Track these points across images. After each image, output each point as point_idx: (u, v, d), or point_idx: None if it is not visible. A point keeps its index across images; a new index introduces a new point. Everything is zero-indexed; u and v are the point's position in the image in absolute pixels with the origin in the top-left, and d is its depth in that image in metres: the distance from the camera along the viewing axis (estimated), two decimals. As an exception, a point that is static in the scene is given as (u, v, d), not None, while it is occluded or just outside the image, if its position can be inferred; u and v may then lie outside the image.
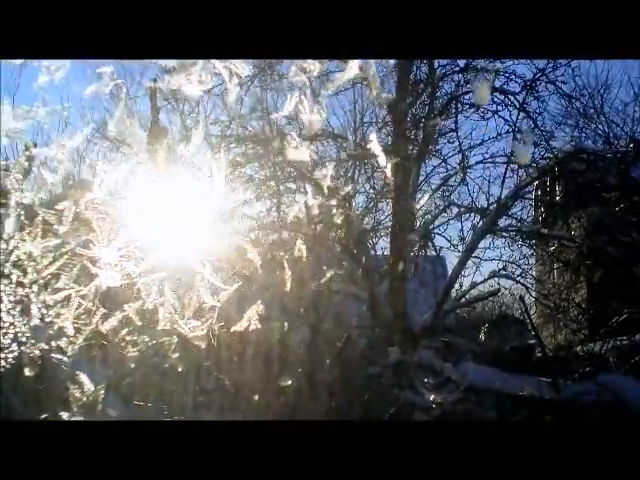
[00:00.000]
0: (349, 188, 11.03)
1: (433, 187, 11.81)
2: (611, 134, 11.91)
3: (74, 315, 5.05)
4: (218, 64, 3.38)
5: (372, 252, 11.88)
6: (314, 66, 3.34)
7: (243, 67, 3.45)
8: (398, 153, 10.33)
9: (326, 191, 4.38)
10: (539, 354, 12.32)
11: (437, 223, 11.76)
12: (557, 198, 12.20)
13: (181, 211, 4.41)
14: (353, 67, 3.32)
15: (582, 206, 11.49)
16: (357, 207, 12.37)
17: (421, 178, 11.52)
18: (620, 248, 11.11)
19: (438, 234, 11.82)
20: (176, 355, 5.61)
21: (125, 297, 5.04)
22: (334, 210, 10.07)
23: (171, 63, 3.43)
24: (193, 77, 3.44)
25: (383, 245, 12.39)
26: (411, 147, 10.97)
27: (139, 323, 5.12)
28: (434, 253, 11.97)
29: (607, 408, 8.82)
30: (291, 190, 10.93)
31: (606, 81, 12.73)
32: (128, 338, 5.42)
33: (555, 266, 12.72)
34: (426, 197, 11.61)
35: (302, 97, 3.40)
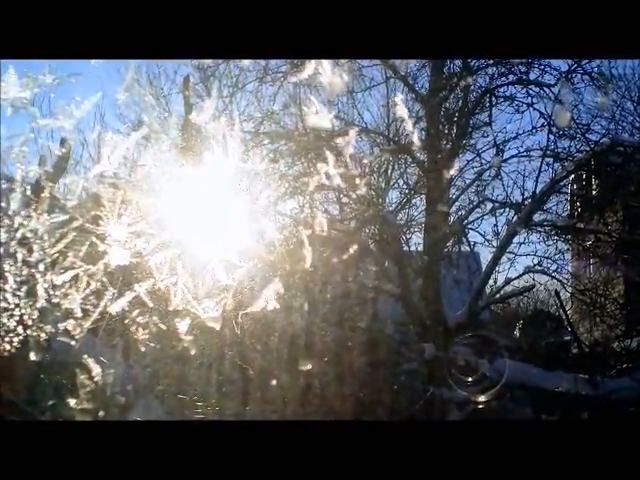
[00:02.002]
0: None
1: (467, 182, 11.71)
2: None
3: (82, 296, 4.92)
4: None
5: (405, 248, 11.80)
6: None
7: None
8: (432, 148, 10.28)
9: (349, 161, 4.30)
10: (575, 350, 12.19)
11: (471, 218, 11.66)
12: (593, 192, 12.03)
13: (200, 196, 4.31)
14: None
15: (619, 200, 11.32)
16: (390, 203, 12.31)
17: (455, 173, 11.40)
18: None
19: (472, 229, 11.72)
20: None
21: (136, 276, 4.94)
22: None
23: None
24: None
25: (416, 241, 12.32)
26: (445, 142, 10.89)
27: (150, 304, 4.98)
28: (468, 249, 11.86)
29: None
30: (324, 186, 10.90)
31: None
32: (139, 320, 5.27)
33: (591, 261, 12.56)
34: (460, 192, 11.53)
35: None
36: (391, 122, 12.05)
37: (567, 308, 12.43)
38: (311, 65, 3.38)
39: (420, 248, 11.55)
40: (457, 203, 11.76)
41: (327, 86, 3.40)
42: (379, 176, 12.05)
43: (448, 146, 10.80)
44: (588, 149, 10.57)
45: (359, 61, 10.52)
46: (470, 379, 9.12)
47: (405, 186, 12.16)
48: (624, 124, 11.57)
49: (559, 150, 10.78)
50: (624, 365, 10.62)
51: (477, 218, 11.70)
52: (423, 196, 11.81)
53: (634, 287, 12.25)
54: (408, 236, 12.17)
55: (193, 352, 5.50)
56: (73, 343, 5.02)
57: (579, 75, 10.45)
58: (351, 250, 8.57)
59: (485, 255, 12.79)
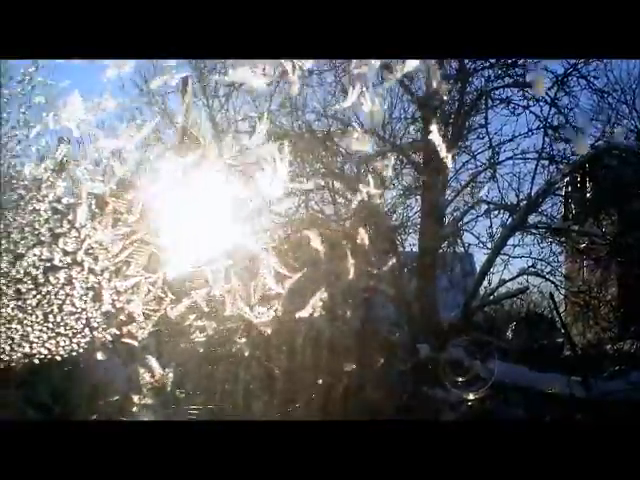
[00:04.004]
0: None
1: (462, 183, 11.72)
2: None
3: (144, 301, 5.11)
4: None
5: (400, 249, 11.81)
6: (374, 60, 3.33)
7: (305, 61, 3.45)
8: (427, 149, 10.29)
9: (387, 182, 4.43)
10: (568, 352, 12.22)
11: (466, 220, 11.68)
12: (588, 194, 12.06)
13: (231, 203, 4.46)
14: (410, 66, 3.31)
15: (613, 203, 11.36)
16: (386, 203, 12.31)
17: (450, 174, 11.43)
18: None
19: (467, 231, 11.74)
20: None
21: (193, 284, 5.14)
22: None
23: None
24: (258, 70, 3.44)
25: (412, 242, 12.33)
26: (439, 142, 10.88)
27: (206, 309, 5.21)
28: (463, 250, 11.88)
29: (638, 407, 8.75)
30: (320, 186, 10.90)
31: (639, 76, 12.49)
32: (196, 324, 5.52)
33: (585, 263, 12.60)
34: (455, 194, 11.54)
35: (364, 89, 3.38)
36: (387, 123, 12.05)
37: (561, 310, 12.46)
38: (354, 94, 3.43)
39: (415, 249, 11.56)
40: (452, 205, 11.77)
41: (368, 115, 3.45)
42: (374, 177, 12.03)
43: (444, 146, 10.78)
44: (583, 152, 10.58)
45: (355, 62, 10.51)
46: (464, 380, 9.15)
47: (400, 187, 12.16)
48: (619, 127, 11.60)
49: (554, 153, 10.82)
50: (617, 367, 10.65)
51: (472, 220, 11.73)
52: (418, 197, 11.81)
53: (627, 290, 12.30)
54: (403, 237, 12.18)
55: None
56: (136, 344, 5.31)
57: (575, 78, 10.49)
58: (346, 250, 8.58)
59: (479, 257, 12.82)
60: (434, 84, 3.64)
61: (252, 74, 3.40)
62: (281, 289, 4.85)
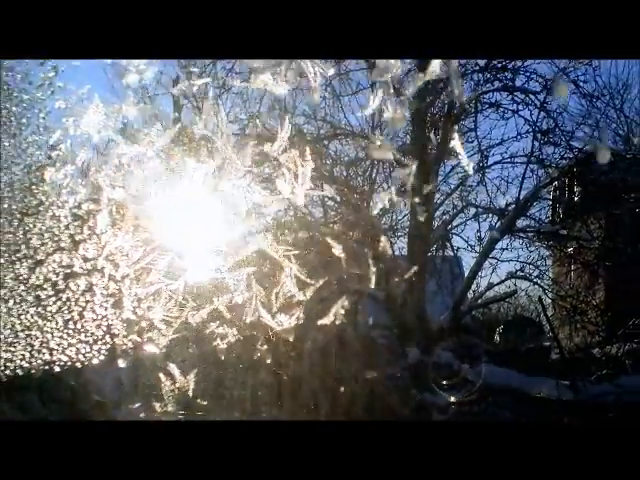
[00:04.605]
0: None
1: (451, 187, 11.76)
2: (631, 134, 11.78)
3: (165, 308, 5.14)
4: (307, 63, 3.37)
5: (389, 252, 11.80)
6: (397, 65, 3.33)
7: (327, 67, 3.45)
8: (416, 152, 10.29)
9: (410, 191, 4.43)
10: (555, 356, 12.27)
11: (455, 223, 11.71)
12: (576, 199, 12.12)
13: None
14: (435, 68, 3.31)
15: (601, 207, 11.40)
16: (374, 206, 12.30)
17: (439, 178, 11.45)
18: (638, 250, 11.03)
19: (456, 234, 11.77)
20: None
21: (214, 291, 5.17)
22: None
23: (257, 63, 3.43)
24: (279, 77, 3.44)
25: (400, 245, 12.34)
26: (430, 147, 10.92)
27: (228, 316, 5.24)
28: (451, 253, 11.91)
29: (625, 410, 8.79)
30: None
31: (627, 80, 12.56)
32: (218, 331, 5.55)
33: (573, 267, 12.65)
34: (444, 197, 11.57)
35: (386, 96, 3.40)
36: (376, 126, 12.07)
37: (549, 314, 12.52)
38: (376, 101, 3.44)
39: (404, 252, 11.57)
40: (441, 208, 11.80)
41: (390, 121, 3.46)
42: (364, 179, 12.05)
43: (433, 151, 10.82)
44: (572, 156, 10.65)
45: (346, 65, 10.54)
46: (452, 383, 9.16)
47: (390, 190, 12.14)
48: (608, 131, 11.65)
49: (543, 157, 10.86)
50: (604, 371, 10.69)
51: (460, 223, 11.77)
52: (407, 200, 11.80)
53: (615, 293, 12.35)
54: (392, 240, 12.18)
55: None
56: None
57: (564, 82, 10.49)
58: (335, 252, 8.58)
59: (468, 260, 12.86)
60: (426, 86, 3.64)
61: (274, 81, 3.40)
62: (303, 296, 4.91)
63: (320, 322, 5.22)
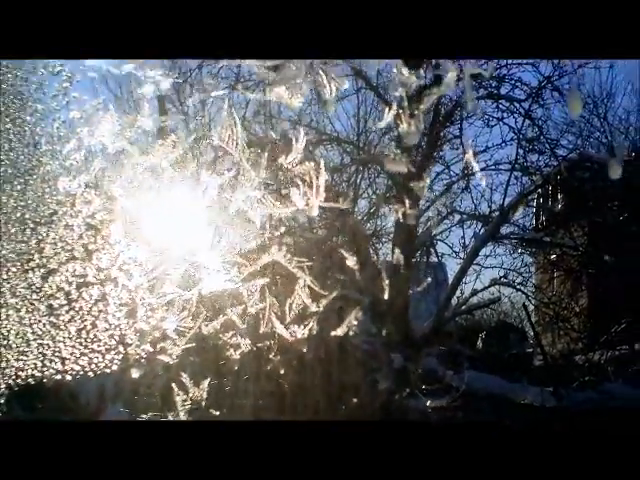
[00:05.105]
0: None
1: (436, 194, 11.80)
2: (614, 143, 11.88)
3: (178, 318, 5.20)
4: (322, 76, 3.38)
5: (374, 257, 11.83)
6: (413, 77, 3.35)
7: (343, 80, 3.47)
8: (402, 159, 10.29)
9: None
10: (538, 362, 12.32)
11: (439, 230, 11.74)
12: (559, 206, 12.19)
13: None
14: (450, 82, 3.34)
15: (584, 214, 11.48)
16: (359, 212, 12.34)
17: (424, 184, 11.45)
18: (621, 257, 11.10)
19: (440, 241, 11.81)
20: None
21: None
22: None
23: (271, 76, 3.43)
24: (294, 89, 3.46)
25: (385, 251, 12.36)
26: (415, 153, 10.94)
27: (242, 326, 5.27)
28: (436, 260, 11.94)
29: (608, 416, 8.83)
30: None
31: (610, 89, 12.69)
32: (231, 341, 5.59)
33: (556, 274, 12.72)
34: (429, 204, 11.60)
35: (400, 110, 3.41)
36: (361, 132, 12.11)
37: (532, 320, 12.58)
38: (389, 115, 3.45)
39: (389, 258, 11.59)
40: (426, 214, 11.83)
41: (403, 134, 3.48)
42: (348, 185, 12.07)
43: (418, 157, 10.84)
44: (556, 164, 10.70)
45: (332, 73, 10.53)
46: (436, 389, 9.17)
47: (374, 196, 12.19)
48: (591, 140, 11.76)
49: (528, 164, 10.92)
50: (587, 378, 10.75)
51: (445, 230, 11.81)
52: (392, 206, 11.83)
53: (598, 301, 12.42)
54: (377, 246, 12.21)
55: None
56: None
57: (548, 91, 10.59)
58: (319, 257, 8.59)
59: (452, 266, 12.89)
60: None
61: (288, 94, 3.41)
62: (316, 307, 4.94)
63: (334, 333, 5.27)
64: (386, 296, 10.42)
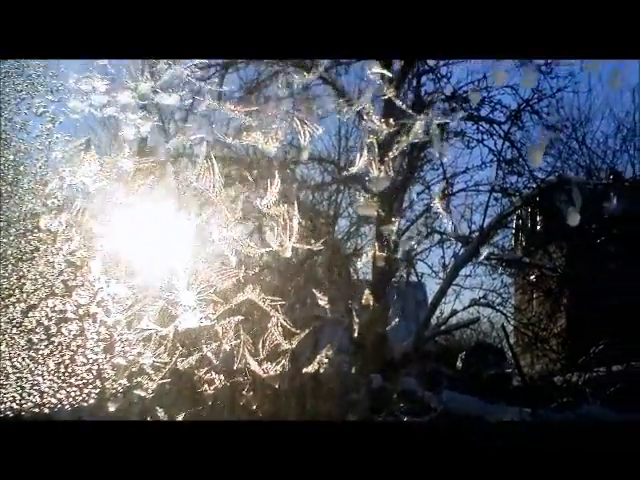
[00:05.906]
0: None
1: (416, 214, 11.82)
2: (592, 166, 12.01)
3: (154, 354, 5.31)
4: (297, 122, 3.43)
5: (354, 277, 11.82)
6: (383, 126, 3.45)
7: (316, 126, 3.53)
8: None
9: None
10: (517, 383, 12.33)
11: (419, 250, 11.76)
12: (538, 227, 12.26)
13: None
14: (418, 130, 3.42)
15: (563, 236, 11.55)
16: (339, 231, 12.34)
17: (405, 204, 11.52)
18: (599, 279, 11.17)
19: (420, 260, 11.82)
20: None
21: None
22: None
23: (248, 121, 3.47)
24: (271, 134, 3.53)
25: (365, 270, 12.35)
26: (395, 173, 10.97)
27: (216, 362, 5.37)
28: (416, 279, 11.95)
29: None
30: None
31: (589, 113, 12.84)
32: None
33: (535, 295, 12.77)
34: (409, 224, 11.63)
35: (371, 157, 3.52)
36: (342, 151, 12.12)
37: (511, 341, 12.60)
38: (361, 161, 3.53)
39: (369, 277, 11.58)
40: (406, 234, 11.85)
41: (373, 180, 3.61)
42: (329, 204, 12.07)
43: (398, 178, 10.88)
44: (535, 186, 10.79)
45: (314, 92, 10.57)
46: (414, 409, 9.16)
47: (354, 214, 12.20)
48: (570, 162, 11.86)
49: (507, 186, 10.99)
50: (565, 399, 10.77)
51: (425, 249, 11.82)
52: (372, 225, 11.86)
53: (576, 322, 12.48)
54: (356, 265, 12.18)
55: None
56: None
57: (527, 114, 10.69)
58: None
59: (432, 286, 12.91)
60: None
61: (264, 139, 3.48)
62: (289, 344, 5.03)
63: (305, 370, 5.37)
64: (365, 316, 10.49)
